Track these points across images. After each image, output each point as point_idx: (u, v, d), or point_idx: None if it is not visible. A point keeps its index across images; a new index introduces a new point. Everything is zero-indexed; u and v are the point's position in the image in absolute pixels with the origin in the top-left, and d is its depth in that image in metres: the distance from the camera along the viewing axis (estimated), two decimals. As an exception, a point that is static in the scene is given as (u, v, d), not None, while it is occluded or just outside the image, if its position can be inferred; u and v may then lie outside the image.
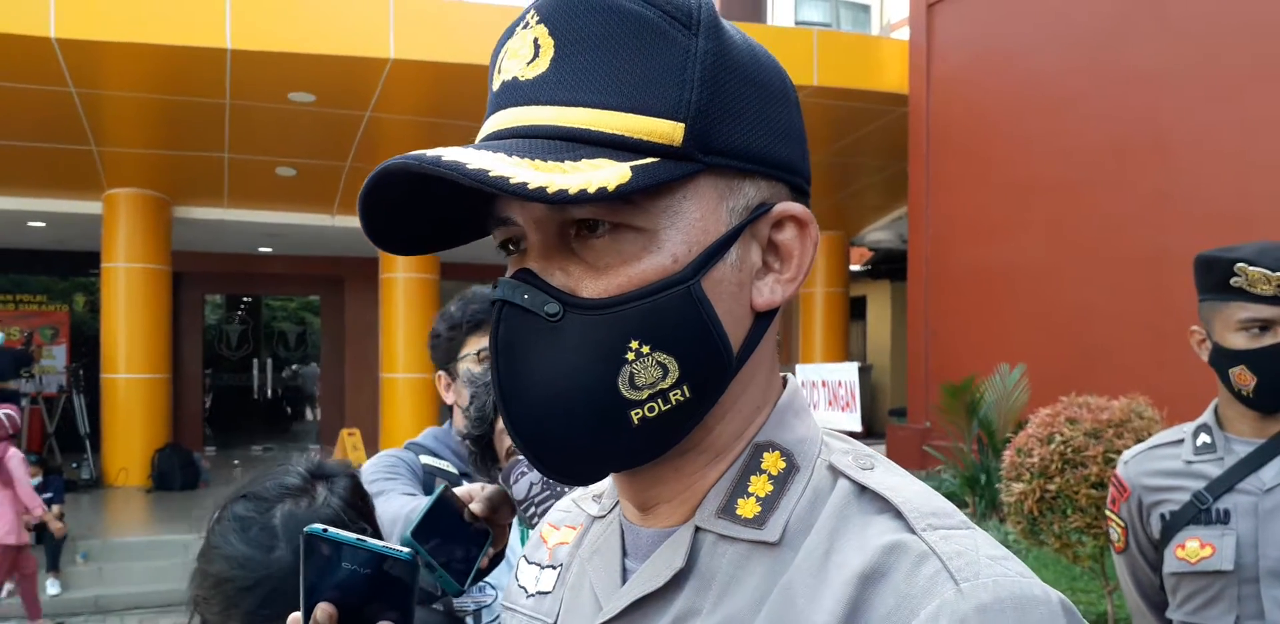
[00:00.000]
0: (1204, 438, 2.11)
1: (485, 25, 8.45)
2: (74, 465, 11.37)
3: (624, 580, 0.76)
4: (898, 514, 0.66)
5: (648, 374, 0.66)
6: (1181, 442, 2.15)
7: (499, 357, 0.68)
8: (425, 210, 0.73)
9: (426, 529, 1.21)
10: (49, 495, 8.24)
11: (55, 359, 14.27)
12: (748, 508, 0.71)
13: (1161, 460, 2.16)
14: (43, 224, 12.48)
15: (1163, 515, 2.11)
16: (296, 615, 0.90)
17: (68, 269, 15.08)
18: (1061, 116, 8.00)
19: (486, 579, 1.90)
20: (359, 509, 1.33)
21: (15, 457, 7.27)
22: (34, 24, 7.40)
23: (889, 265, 16.06)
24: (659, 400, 0.67)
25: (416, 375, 12.12)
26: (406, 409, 12.10)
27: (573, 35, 0.67)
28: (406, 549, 0.88)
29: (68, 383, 13.19)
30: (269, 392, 20.60)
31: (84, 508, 9.82)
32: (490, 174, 0.60)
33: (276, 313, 22.91)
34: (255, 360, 20.45)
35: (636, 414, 0.66)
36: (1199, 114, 6.80)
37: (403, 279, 12.18)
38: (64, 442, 12.20)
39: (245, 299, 20.93)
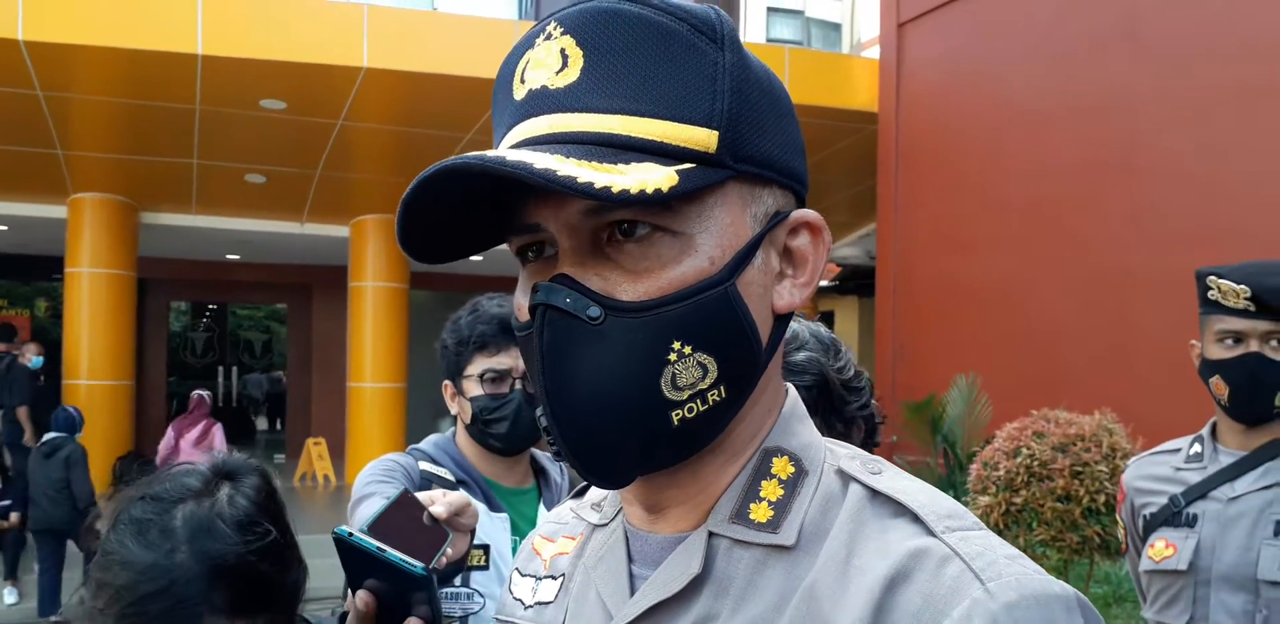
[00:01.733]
0: (1196, 448, 2.21)
1: (459, 36, 8.44)
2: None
3: (632, 587, 0.76)
4: (915, 518, 0.68)
5: (689, 374, 0.68)
6: (1179, 450, 2.25)
7: (543, 360, 0.68)
8: (445, 218, 0.73)
9: (382, 528, 1.22)
10: (8, 503, 8.11)
11: (15, 365, 14.05)
12: (760, 512, 0.72)
13: (1155, 466, 2.26)
14: (5, 228, 12.32)
15: (1144, 516, 2.20)
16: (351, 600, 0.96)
17: (30, 274, 14.89)
18: (1030, 136, 8.09)
19: (474, 587, 1.90)
20: (267, 509, 1.23)
21: (219, 429, 9.27)
22: (1, 25, 7.32)
23: (856, 281, 16.16)
24: (698, 400, 0.68)
25: (384, 385, 12.04)
26: (373, 419, 12.01)
27: (602, 46, 0.69)
28: (420, 564, 0.90)
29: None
30: (234, 400, 20.39)
31: (42, 516, 9.64)
32: (558, 174, 0.61)
33: (243, 321, 22.73)
34: (220, 368, 20.25)
35: (677, 415, 0.68)
36: (1167, 135, 6.90)
37: (371, 288, 12.11)
38: (23, 448, 12.01)
39: (211, 307, 20.75)
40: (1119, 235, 7.17)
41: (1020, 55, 8.32)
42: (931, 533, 0.66)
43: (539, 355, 0.68)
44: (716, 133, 0.68)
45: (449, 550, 1.36)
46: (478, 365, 2.05)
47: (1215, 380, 2.09)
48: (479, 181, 0.66)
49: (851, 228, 13.68)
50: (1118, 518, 2.37)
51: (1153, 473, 2.24)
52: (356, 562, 0.94)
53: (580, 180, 0.61)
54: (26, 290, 15.32)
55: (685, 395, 0.67)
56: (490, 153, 0.63)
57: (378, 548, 0.91)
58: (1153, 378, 6.68)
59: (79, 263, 11.05)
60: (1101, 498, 4.23)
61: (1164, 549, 2.09)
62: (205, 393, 9.63)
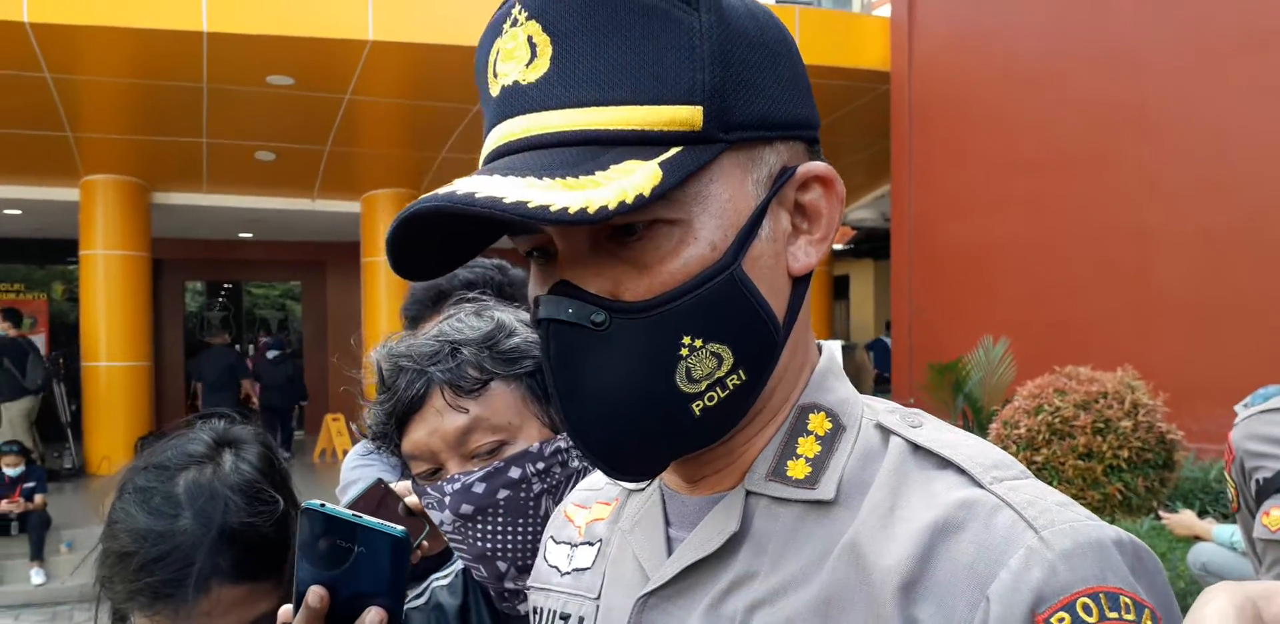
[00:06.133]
0: None
1: (464, 6, 8.36)
2: (55, 455, 11.29)
3: (669, 550, 0.76)
4: (960, 470, 0.67)
5: (703, 366, 0.66)
6: None
7: (555, 376, 0.67)
8: (444, 235, 0.72)
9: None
10: (31, 485, 8.20)
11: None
12: (798, 469, 0.71)
13: (1267, 425, 2.15)
14: (19, 212, 12.35)
15: (1258, 481, 2.12)
16: (287, 608, 0.89)
17: (46, 257, 14.95)
18: (1043, 93, 7.99)
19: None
20: (270, 476, 1.24)
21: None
22: (6, 8, 7.28)
23: (871, 244, 16.08)
24: (717, 389, 0.67)
25: (401, 360, 12.05)
26: (392, 394, 12.05)
27: (569, 29, 0.65)
28: (401, 528, 0.87)
29: (48, 371, 13.08)
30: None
31: (67, 497, 9.75)
32: (529, 206, 0.59)
33: (258, 300, 22.79)
34: (237, 347, 20.32)
35: (698, 406, 0.67)
36: (1179, 90, 6.81)
37: (385, 263, 12.04)
38: (45, 431, 12.11)
39: (226, 286, 20.80)
40: (1133, 191, 7.10)
41: (1031, 11, 8.20)
42: (979, 484, 0.65)
43: (549, 368, 0.67)
44: (700, 108, 0.64)
45: (425, 543, 1.33)
46: None
47: None
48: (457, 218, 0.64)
49: (866, 190, 13.58)
50: (1227, 476, 2.30)
51: (1263, 433, 2.12)
52: (318, 542, 0.90)
53: (554, 209, 0.58)
54: (42, 274, 15.37)
55: (703, 386, 0.66)
56: (459, 190, 0.61)
57: (353, 515, 0.88)
58: (1170, 334, 6.63)
59: (93, 245, 11.09)
60: (1125, 454, 4.20)
61: None
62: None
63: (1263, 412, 2.20)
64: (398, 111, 9.72)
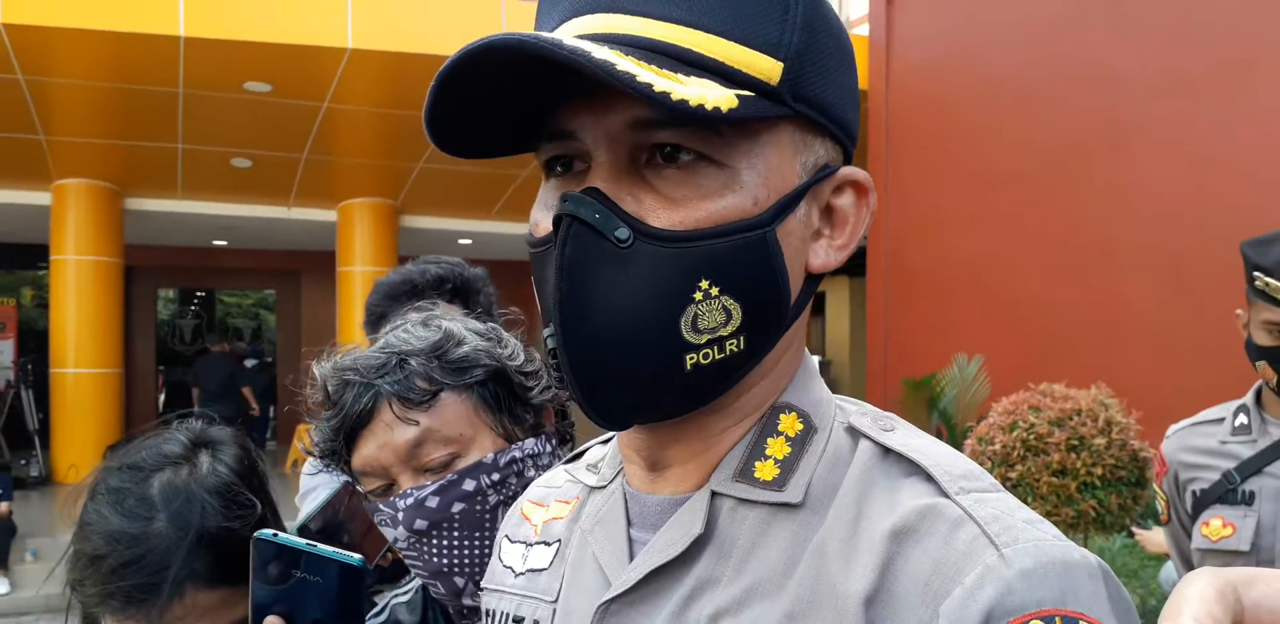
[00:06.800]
0: (1242, 419, 2.14)
1: (444, 15, 8.35)
2: (22, 462, 11.12)
3: (631, 552, 0.73)
4: (928, 477, 0.64)
5: (711, 318, 0.63)
6: (1222, 420, 2.18)
7: (560, 276, 0.63)
8: (482, 111, 0.67)
9: (325, 523, 1.17)
10: (-2, 492, 8.07)
11: (2, 354, 13.97)
12: (766, 471, 0.68)
13: (1200, 438, 2.19)
14: (-11, 215, 12.21)
15: (1194, 492, 2.15)
16: None
17: (15, 262, 14.77)
18: (1019, 112, 8.05)
19: None
20: (247, 479, 1.20)
21: None
22: (-20, 9, 7.22)
23: (847, 261, 16.11)
24: (715, 348, 0.64)
25: (374, 370, 11.97)
26: (364, 404, 11.96)
27: None
28: (358, 555, 0.85)
29: (15, 378, 12.91)
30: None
31: (33, 505, 9.61)
32: (616, 68, 0.56)
33: (231, 308, 22.63)
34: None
35: (691, 359, 0.63)
36: (1154, 110, 6.86)
37: (360, 272, 12.03)
38: (12, 438, 11.94)
39: (199, 294, 20.63)
40: (1105, 210, 7.14)
41: (1009, 31, 8.26)
42: (944, 493, 0.62)
43: (557, 270, 0.63)
44: (781, 64, 0.63)
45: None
46: None
47: (1263, 366, 2.05)
48: (524, 67, 0.60)
49: (842, 208, 13.65)
50: (1157, 489, 2.32)
51: (1197, 445, 2.17)
52: (273, 571, 0.87)
53: (640, 79, 0.56)
54: (12, 279, 15.20)
55: (704, 339, 0.63)
56: (545, 34, 0.57)
57: (307, 544, 0.85)
58: (1140, 352, 6.67)
59: (64, 250, 10.95)
60: (1098, 471, 4.21)
61: (1221, 528, 2.04)
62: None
63: (1195, 424, 2.24)
64: (376, 120, 9.68)
